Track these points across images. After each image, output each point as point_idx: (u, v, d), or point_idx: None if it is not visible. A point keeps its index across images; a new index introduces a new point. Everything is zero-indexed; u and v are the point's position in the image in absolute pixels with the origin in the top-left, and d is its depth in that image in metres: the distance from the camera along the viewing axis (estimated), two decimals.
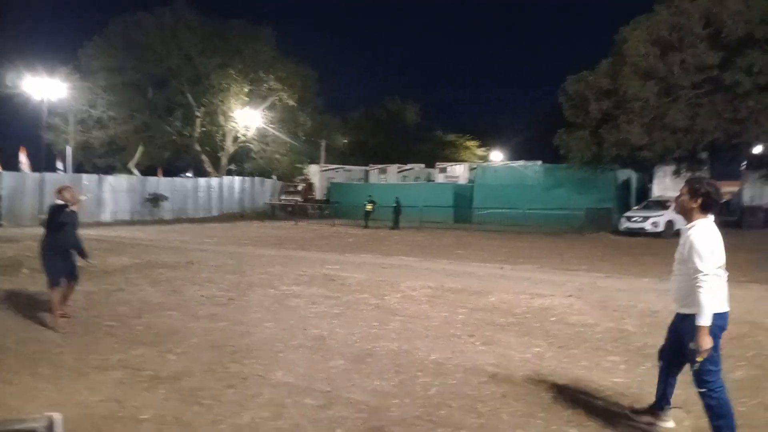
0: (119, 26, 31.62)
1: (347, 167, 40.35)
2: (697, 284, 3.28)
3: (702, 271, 3.28)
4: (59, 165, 31.77)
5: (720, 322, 3.35)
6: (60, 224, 6.20)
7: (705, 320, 3.25)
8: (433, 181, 35.94)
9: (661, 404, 3.74)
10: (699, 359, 3.28)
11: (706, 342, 3.24)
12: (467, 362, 5.03)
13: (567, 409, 3.97)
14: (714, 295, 3.29)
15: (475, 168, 35.53)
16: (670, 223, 20.81)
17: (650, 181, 28.49)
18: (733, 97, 21.10)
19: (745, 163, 27.44)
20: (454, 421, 3.74)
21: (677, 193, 3.72)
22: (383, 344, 5.59)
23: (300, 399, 4.12)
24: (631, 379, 4.64)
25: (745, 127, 21.24)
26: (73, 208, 6.32)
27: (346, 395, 4.21)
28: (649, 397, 4.22)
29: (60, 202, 6.24)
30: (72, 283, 6.49)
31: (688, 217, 3.60)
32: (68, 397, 4.09)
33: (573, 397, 4.21)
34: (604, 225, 23.45)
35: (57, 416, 1.85)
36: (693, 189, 3.53)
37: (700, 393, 3.37)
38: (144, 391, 4.28)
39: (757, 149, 25.00)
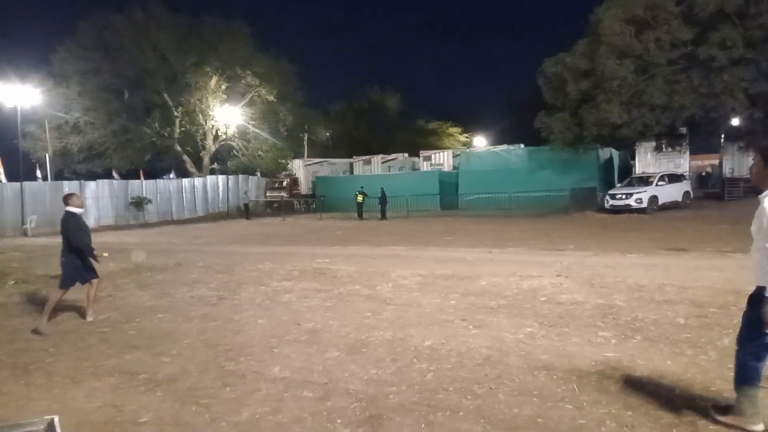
0: (91, 28, 31.03)
1: (331, 160, 40.25)
2: None
3: None
4: (38, 173, 31.27)
5: None
6: (78, 229, 6.62)
7: None
8: (418, 169, 36.00)
9: None
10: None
11: None
12: (461, 346, 5.09)
13: (561, 386, 4.04)
14: None
15: (458, 155, 35.64)
16: (653, 199, 21.14)
17: (632, 158, 28.85)
18: (708, 72, 21.36)
19: (723, 136, 27.87)
20: (452, 405, 3.79)
21: (752, 164, 3.37)
22: (377, 334, 5.63)
23: (298, 392, 4.14)
24: (622, 353, 4.73)
25: (721, 101, 21.53)
26: (81, 212, 6.83)
27: (343, 386, 4.24)
28: (642, 368, 4.31)
29: (72, 209, 6.67)
30: (95, 281, 6.96)
31: (765, 184, 3.23)
32: (64, 405, 4.07)
33: (566, 374, 4.28)
34: (589, 204, 23.72)
35: (56, 419, 1.86)
36: (766, 155, 3.25)
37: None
38: (141, 394, 4.26)
39: (735, 122, 25.38)
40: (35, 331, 6.25)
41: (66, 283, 6.64)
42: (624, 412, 3.57)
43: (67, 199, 6.74)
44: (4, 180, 27.32)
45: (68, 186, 26.53)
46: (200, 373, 4.67)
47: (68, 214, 6.64)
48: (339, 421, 3.63)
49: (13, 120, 25.70)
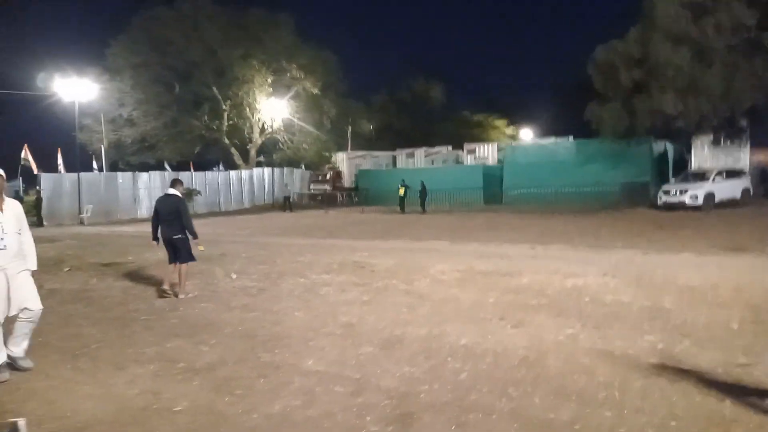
0: (141, 23, 32.08)
1: (374, 153, 40.28)
2: None
3: None
4: (94, 164, 32.72)
5: None
6: (186, 211, 7.59)
7: None
8: (462, 163, 35.58)
9: None
10: None
11: None
12: (498, 346, 4.97)
13: (601, 391, 3.87)
14: None
15: (503, 148, 34.99)
16: (710, 196, 20.10)
17: (688, 152, 27.51)
18: None
19: None
20: (485, 406, 3.70)
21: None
22: (413, 330, 5.58)
23: (330, 386, 4.14)
24: (668, 358, 4.50)
25: None
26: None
27: (375, 382, 4.21)
28: (689, 375, 4.09)
29: (178, 193, 7.65)
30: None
31: None
32: (106, 390, 4.21)
33: (607, 378, 4.10)
34: (641, 200, 22.83)
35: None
36: None
37: None
38: (179, 382, 4.37)
39: None
40: (175, 295, 7.44)
41: (192, 258, 7.66)
42: (668, 421, 3.39)
43: (176, 184, 7.75)
44: (63, 171, 28.75)
45: (122, 177, 27.70)
46: (237, 363, 4.75)
47: (179, 198, 7.60)
48: (368, 417, 3.60)
49: (71, 113, 26.97)
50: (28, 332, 4.68)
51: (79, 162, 27.42)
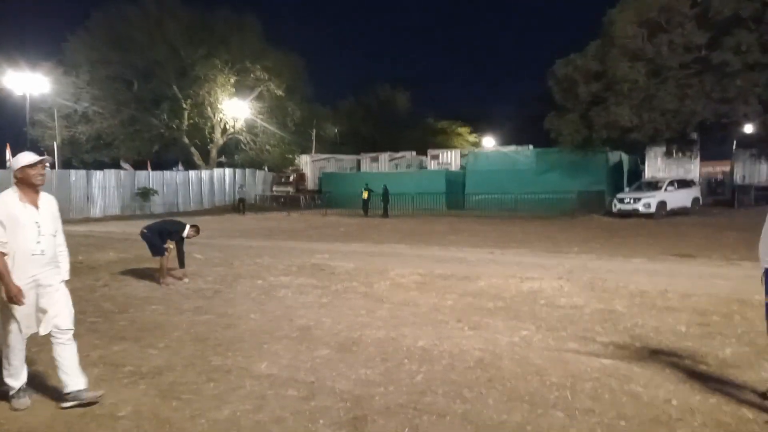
0: (103, 18, 31.13)
1: (338, 156, 40.13)
2: None
3: None
4: None
5: None
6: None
7: None
8: (426, 168, 35.83)
9: None
10: None
11: None
12: (454, 348, 4.96)
13: (554, 392, 3.90)
14: None
15: (466, 154, 35.44)
16: (662, 204, 20.86)
17: (642, 162, 28.53)
18: (722, 77, 21.07)
19: (735, 142, 27.50)
20: (439, 408, 3.67)
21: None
22: (370, 332, 5.52)
23: (282, 391, 4.04)
24: (619, 360, 4.58)
25: (733, 107, 21.24)
26: None
27: (330, 385, 4.13)
28: (639, 377, 4.17)
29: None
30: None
31: None
32: (43, 394, 3.98)
33: (560, 380, 4.14)
34: (596, 207, 23.48)
35: None
36: None
37: None
38: (123, 387, 4.18)
39: (748, 128, 25.02)
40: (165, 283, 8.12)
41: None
42: (617, 422, 3.44)
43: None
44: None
45: (75, 175, 26.67)
46: (185, 367, 4.58)
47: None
48: (321, 421, 3.51)
49: (22, 108, 25.85)
50: (75, 354, 3.86)
51: None
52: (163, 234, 8.52)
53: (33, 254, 3.66)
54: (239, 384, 4.18)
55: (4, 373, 3.82)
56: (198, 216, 27.03)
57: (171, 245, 8.59)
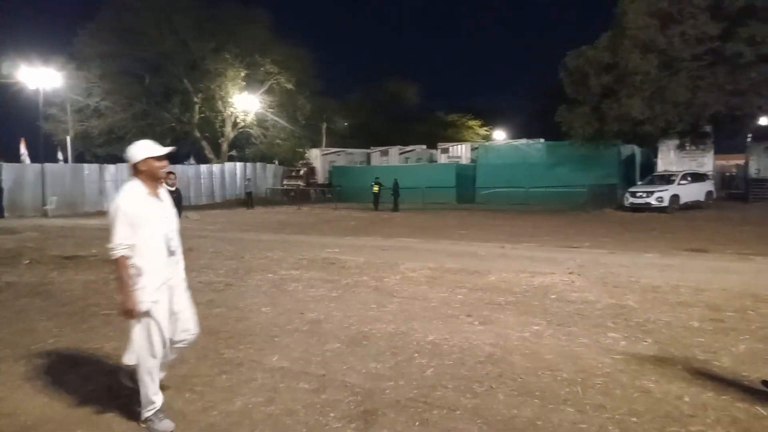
0: (112, 11, 31.22)
1: (348, 150, 40.12)
2: None
3: None
4: (59, 155, 31.74)
5: None
6: None
7: None
8: (436, 162, 35.71)
9: None
10: None
11: None
12: (464, 342, 4.96)
13: (564, 388, 3.90)
14: None
15: (477, 147, 35.27)
16: (675, 198, 20.64)
17: (655, 156, 28.22)
18: (735, 69, 20.75)
19: (750, 135, 27.11)
20: (449, 402, 3.68)
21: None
22: (380, 326, 5.53)
23: (294, 383, 4.07)
24: (630, 355, 4.56)
25: (746, 99, 20.92)
26: (172, 189, 7.78)
27: (340, 378, 4.16)
28: (650, 372, 4.15)
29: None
30: None
31: None
32: (58, 387, 4.05)
33: (571, 375, 4.13)
34: (608, 201, 23.28)
35: None
36: None
37: None
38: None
39: (763, 121, 24.65)
40: None
41: None
42: (628, 417, 3.43)
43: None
44: (27, 161, 27.79)
45: (88, 169, 26.94)
46: (198, 360, 4.62)
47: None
48: (332, 414, 3.54)
49: (35, 102, 26.08)
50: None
51: (44, 152, 26.56)
52: None
53: (165, 254, 3.36)
54: (251, 376, 4.22)
55: (150, 390, 3.40)
56: (209, 209, 27.22)
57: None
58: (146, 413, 3.41)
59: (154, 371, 3.41)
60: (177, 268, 3.48)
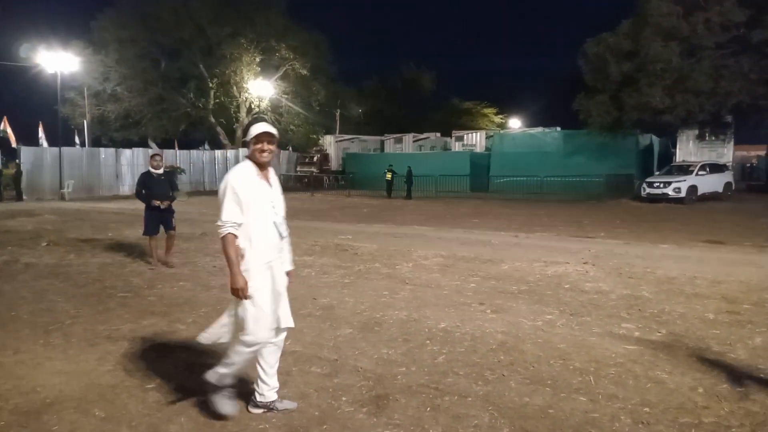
0: None
1: (362, 137, 40.06)
2: None
3: None
4: (76, 139, 32.12)
5: None
6: (136, 185, 8.40)
7: None
8: (450, 149, 35.53)
9: None
10: None
11: None
12: (476, 330, 4.96)
13: (576, 377, 3.88)
14: None
15: (492, 136, 35.01)
16: (692, 189, 20.33)
17: (673, 146, 27.81)
18: (761, 57, 20.25)
19: None
20: (460, 389, 3.69)
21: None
22: (392, 313, 5.55)
23: (306, 367, 4.11)
24: (644, 346, 4.53)
25: None
26: (159, 171, 8.12)
27: (352, 363, 4.18)
28: (664, 363, 4.11)
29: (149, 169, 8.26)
30: (171, 233, 8.30)
31: None
32: (76, 366, 4.13)
33: (583, 365, 4.12)
34: (625, 191, 23.02)
35: None
36: None
37: None
38: (152, 360, 4.30)
39: None
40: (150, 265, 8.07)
41: (146, 232, 8.32)
42: (641, 408, 3.41)
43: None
44: (45, 145, 28.17)
45: (105, 153, 27.26)
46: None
47: (143, 173, 8.34)
48: (344, 398, 3.57)
49: (53, 86, 26.35)
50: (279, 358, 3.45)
51: (61, 136, 26.89)
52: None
53: (272, 240, 3.19)
54: None
55: (270, 383, 3.34)
56: None
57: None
58: (216, 394, 3.33)
59: (270, 360, 3.33)
60: (279, 257, 3.28)
